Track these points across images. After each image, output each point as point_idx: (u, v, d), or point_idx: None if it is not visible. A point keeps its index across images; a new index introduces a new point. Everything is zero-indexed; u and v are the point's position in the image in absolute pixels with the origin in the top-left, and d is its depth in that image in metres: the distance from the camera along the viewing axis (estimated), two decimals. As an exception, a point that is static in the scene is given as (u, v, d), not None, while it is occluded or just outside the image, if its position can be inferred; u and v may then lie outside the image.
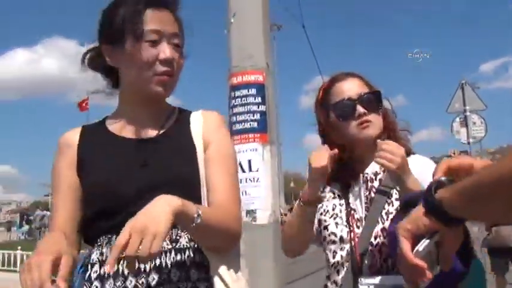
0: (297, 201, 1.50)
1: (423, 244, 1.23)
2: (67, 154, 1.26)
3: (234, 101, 3.77)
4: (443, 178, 0.84)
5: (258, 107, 3.70)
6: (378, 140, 1.37)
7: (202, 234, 1.11)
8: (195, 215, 1.01)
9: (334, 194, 1.54)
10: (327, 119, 1.55)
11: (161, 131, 1.27)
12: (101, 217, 1.17)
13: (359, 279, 1.32)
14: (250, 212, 3.55)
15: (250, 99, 3.70)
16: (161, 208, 0.94)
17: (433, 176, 0.88)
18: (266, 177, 3.65)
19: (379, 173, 1.48)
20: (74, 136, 1.29)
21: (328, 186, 1.56)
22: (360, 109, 1.45)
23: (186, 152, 1.24)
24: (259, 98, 3.71)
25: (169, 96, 1.29)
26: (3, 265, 10.13)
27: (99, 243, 1.17)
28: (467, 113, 12.65)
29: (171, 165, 1.20)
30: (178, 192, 1.10)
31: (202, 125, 1.29)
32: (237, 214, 1.23)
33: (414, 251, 1.30)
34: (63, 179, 1.24)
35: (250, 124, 3.68)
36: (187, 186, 1.18)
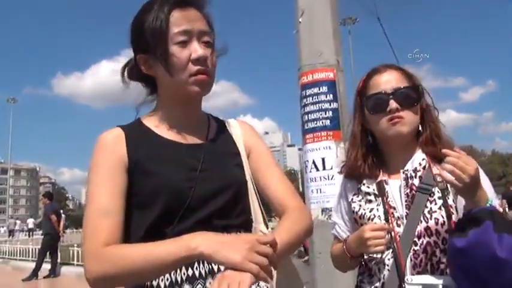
0: (342, 246, 1.52)
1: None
2: (116, 155, 1.17)
3: (305, 99, 3.76)
4: None
5: (330, 105, 3.65)
6: (445, 150, 1.26)
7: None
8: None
9: (370, 195, 1.49)
10: (361, 112, 1.53)
11: (208, 137, 1.27)
12: (165, 222, 1.13)
13: (406, 278, 1.28)
14: (326, 210, 3.52)
15: (322, 97, 3.67)
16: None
17: None
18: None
19: (419, 170, 1.43)
20: (119, 137, 1.20)
21: (364, 184, 1.52)
22: (393, 104, 1.41)
23: (234, 158, 1.28)
24: (331, 95, 3.66)
25: (206, 94, 1.25)
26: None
27: None
28: None
29: (227, 170, 1.23)
30: (235, 196, 1.20)
31: (241, 133, 1.34)
32: (308, 214, 1.28)
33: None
34: (113, 180, 1.14)
35: (322, 122, 3.65)
36: (242, 190, 1.24)
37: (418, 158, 1.45)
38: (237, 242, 0.96)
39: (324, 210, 3.55)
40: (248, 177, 1.27)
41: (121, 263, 1.01)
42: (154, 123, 1.26)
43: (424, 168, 1.43)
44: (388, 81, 1.46)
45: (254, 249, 0.94)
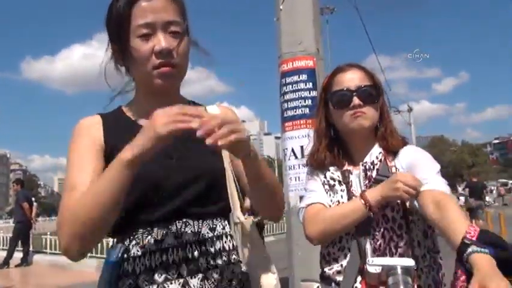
0: (355, 201, 1.47)
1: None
2: (92, 138, 1.17)
3: (285, 87, 3.76)
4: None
5: (310, 93, 3.67)
6: (397, 173, 1.43)
7: (260, 182, 1.17)
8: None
9: (334, 180, 1.58)
10: (325, 106, 1.62)
11: None
12: (140, 210, 1.13)
13: (367, 260, 1.35)
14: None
15: (301, 85, 3.68)
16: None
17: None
18: (319, 163, 3.65)
19: (376, 163, 1.54)
20: (96, 123, 1.20)
21: (329, 171, 1.60)
22: (356, 100, 1.51)
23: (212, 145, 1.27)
24: (310, 84, 3.68)
25: (173, 86, 1.23)
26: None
27: (136, 236, 1.14)
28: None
29: (203, 159, 1.20)
30: (211, 184, 1.19)
31: None
32: (283, 201, 1.30)
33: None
34: (89, 159, 1.14)
35: (301, 110, 3.67)
36: (219, 177, 1.23)
37: (375, 151, 1.56)
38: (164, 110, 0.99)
39: (302, 197, 3.59)
40: (226, 164, 1.26)
41: (82, 201, 1.02)
42: (132, 111, 1.25)
43: (380, 161, 1.54)
44: (351, 79, 1.55)
45: (182, 110, 0.98)
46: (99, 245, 10.39)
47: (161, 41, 1.13)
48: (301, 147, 3.62)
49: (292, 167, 3.69)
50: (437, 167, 1.48)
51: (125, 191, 1.02)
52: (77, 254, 1.07)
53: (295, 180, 3.66)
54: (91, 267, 9.58)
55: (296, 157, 3.65)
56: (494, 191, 40.68)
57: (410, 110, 28.14)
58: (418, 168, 1.45)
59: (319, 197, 1.58)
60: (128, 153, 0.98)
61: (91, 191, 1.03)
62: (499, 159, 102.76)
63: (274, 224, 15.12)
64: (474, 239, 1.12)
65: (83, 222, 1.01)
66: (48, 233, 11.96)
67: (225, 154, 1.27)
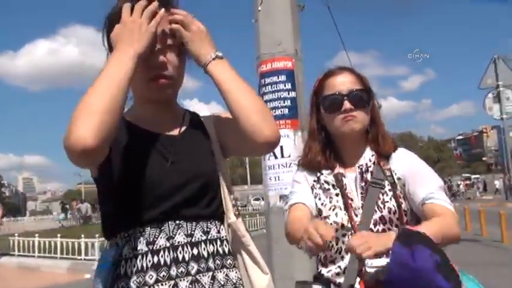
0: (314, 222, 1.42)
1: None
2: None
3: (264, 88, 3.79)
4: None
5: (288, 94, 3.71)
6: (349, 240, 1.35)
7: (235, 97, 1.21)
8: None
9: (328, 183, 1.59)
10: (317, 109, 1.64)
11: (181, 130, 1.28)
12: (133, 210, 1.15)
13: (366, 262, 1.38)
14: (283, 197, 3.60)
15: (280, 86, 3.72)
16: None
17: None
18: (298, 163, 3.69)
19: (370, 166, 1.57)
20: None
21: (322, 174, 1.61)
22: (347, 104, 1.54)
23: (206, 150, 1.29)
24: (289, 85, 3.72)
25: (169, 98, 1.27)
26: (44, 251, 10.58)
27: (127, 237, 1.16)
28: (501, 88, 12.28)
29: (197, 163, 1.24)
30: (203, 187, 1.22)
31: (214, 124, 1.35)
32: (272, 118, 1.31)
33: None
34: None
35: (281, 111, 3.71)
36: (211, 181, 1.25)
37: (368, 154, 1.59)
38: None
39: (281, 197, 3.63)
40: (219, 168, 1.29)
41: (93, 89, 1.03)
42: (131, 116, 1.26)
43: (374, 163, 1.57)
44: (342, 83, 1.57)
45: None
46: (71, 245, 10.23)
47: (158, 54, 1.17)
48: (281, 147, 3.66)
49: (272, 167, 3.72)
50: (439, 180, 1.53)
51: (129, 79, 1.07)
52: (92, 139, 0.98)
53: (275, 179, 3.70)
54: (62, 268, 9.40)
55: (276, 157, 3.69)
56: (461, 186, 42.03)
57: (379, 107, 28.66)
58: (422, 180, 1.50)
59: (301, 197, 1.60)
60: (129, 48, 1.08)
61: (101, 81, 1.04)
62: (462, 154, 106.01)
63: (250, 221, 15.18)
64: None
65: (98, 100, 1.01)
66: (16, 234, 11.63)
67: (219, 158, 1.30)
